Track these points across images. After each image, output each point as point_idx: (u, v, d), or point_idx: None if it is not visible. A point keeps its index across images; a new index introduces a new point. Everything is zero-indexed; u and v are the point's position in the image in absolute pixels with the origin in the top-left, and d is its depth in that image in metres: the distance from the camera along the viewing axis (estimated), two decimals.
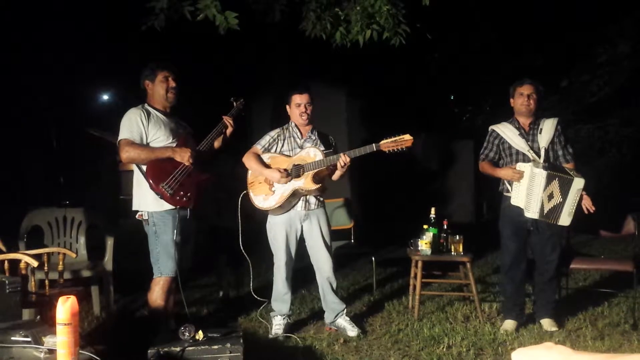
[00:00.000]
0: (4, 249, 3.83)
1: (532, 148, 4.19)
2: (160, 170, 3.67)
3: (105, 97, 9.96)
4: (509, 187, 4.22)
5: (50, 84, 7.86)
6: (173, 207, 3.68)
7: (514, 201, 4.18)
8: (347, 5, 5.12)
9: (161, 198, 3.64)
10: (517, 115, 4.31)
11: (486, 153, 4.39)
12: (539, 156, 4.15)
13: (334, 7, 5.18)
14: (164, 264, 3.71)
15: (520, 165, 4.14)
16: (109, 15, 7.48)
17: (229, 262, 4.78)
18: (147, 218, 3.71)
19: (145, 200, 3.69)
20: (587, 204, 4.13)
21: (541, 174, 4.05)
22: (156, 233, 3.70)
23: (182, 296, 3.81)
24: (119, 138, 3.66)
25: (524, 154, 4.20)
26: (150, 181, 3.64)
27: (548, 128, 4.23)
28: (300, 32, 5.31)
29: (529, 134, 4.25)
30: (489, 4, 9.06)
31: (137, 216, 3.74)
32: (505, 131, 4.29)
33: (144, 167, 3.68)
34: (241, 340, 3.15)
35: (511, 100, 4.35)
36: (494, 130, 4.37)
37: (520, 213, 4.17)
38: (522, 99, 4.23)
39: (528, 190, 4.09)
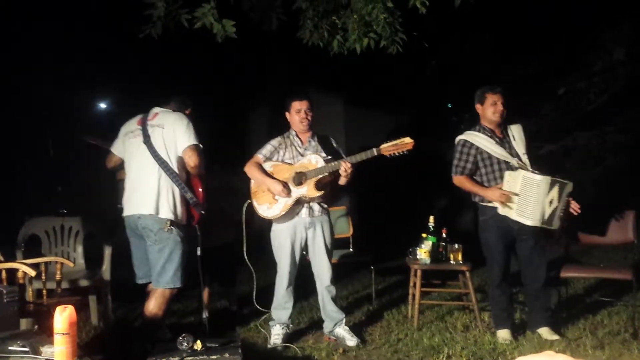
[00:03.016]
0: (1, 258, 3.81)
1: (512, 155, 4.10)
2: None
3: (103, 105, 9.96)
4: (497, 202, 4.09)
5: (47, 92, 7.85)
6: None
7: (502, 211, 4.05)
8: (344, 13, 5.13)
9: (201, 213, 3.83)
10: (487, 123, 4.19)
11: (462, 165, 4.17)
12: (524, 163, 4.07)
13: (331, 16, 5.19)
14: (178, 276, 3.75)
15: (511, 174, 4.01)
16: (105, 24, 7.49)
17: (222, 282, 4.76)
18: (172, 227, 3.73)
19: (180, 211, 3.78)
20: (575, 207, 4.06)
21: (545, 180, 3.91)
22: (180, 242, 3.75)
23: (204, 305, 3.99)
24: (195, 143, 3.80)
25: (507, 162, 4.08)
26: (202, 200, 3.82)
27: (519, 135, 4.16)
28: (298, 39, 5.32)
29: (504, 141, 4.16)
30: (486, 13, 9.10)
31: (166, 222, 3.71)
32: (480, 140, 4.14)
33: (185, 182, 3.81)
34: (239, 350, 3.14)
35: (478, 105, 4.24)
36: (466, 141, 4.18)
37: (506, 222, 4.07)
38: (496, 107, 4.12)
39: (522, 198, 3.94)
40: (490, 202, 4.13)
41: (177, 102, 4.00)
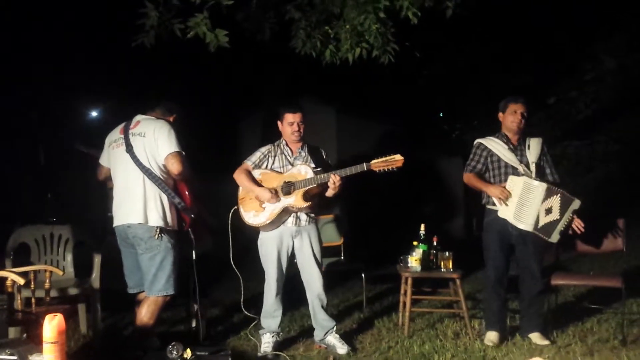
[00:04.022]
0: None
1: (521, 162, 4.25)
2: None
3: (94, 113, 9.95)
4: (495, 201, 4.26)
5: (40, 101, 7.84)
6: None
7: (502, 214, 4.22)
8: (336, 23, 5.17)
9: (191, 217, 3.83)
10: (506, 130, 4.38)
11: (473, 165, 4.41)
12: (530, 171, 4.22)
13: (323, 26, 5.23)
14: (171, 283, 3.76)
15: (513, 179, 4.18)
16: (98, 32, 7.50)
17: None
18: (162, 234, 3.72)
19: (170, 217, 3.78)
20: (579, 224, 4.19)
21: (541, 187, 4.10)
22: (171, 249, 3.76)
23: (198, 311, 4.00)
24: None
25: (513, 167, 4.25)
26: (190, 204, 3.80)
27: (535, 145, 4.32)
28: (291, 49, 5.35)
29: (517, 149, 4.32)
30: (478, 24, 9.18)
31: (156, 230, 3.70)
32: (494, 145, 4.35)
33: (175, 186, 3.81)
34: (229, 359, 3.13)
35: (500, 114, 4.41)
36: (481, 143, 4.41)
37: (506, 226, 4.22)
38: (515, 116, 4.29)
39: (520, 202, 4.12)
40: (494, 204, 4.28)
41: (162, 109, 3.98)
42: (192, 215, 3.83)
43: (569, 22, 9.32)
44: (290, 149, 4.24)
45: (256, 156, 4.23)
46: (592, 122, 9.71)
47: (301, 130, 4.18)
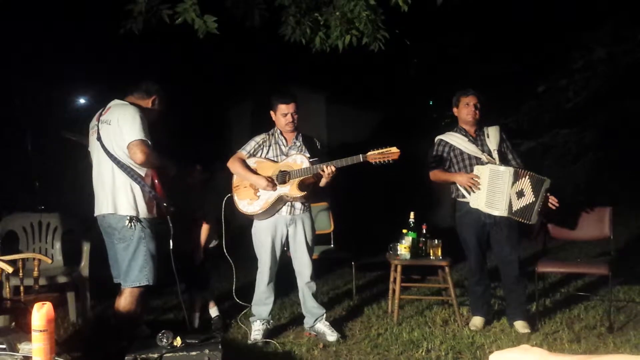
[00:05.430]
0: None
1: (483, 151, 4.34)
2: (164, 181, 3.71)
3: (82, 100, 9.87)
4: (465, 192, 4.31)
5: (26, 87, 7.76)
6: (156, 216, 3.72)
7: (473, 204, 4.28)
8: (326, 10, 5.14)
9: (164, 205, 3.65)
10: (462, 124, 4.47)
11: (436, 162, 4.49)
12: (493, 158, 4.29)
13: (313, 12, 5.19)
14: (145, 273, 3.64)
15: (478, 168, 4.25)
16: (86, 18, 7.42)
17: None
18: (133, 223, 3.59)
19: (142, 206, 3.64)
20: (553, 201, 4.25)
21: (508, 171, 4.16)
22: (144, 239, 3.63)
23: (182, 301, 3.97)
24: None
25: (477, 158, 4.33)
26: (159, 193, 3.63)
27: (493, 134, 4.41)
28: (280, 36, 5.32)
29: (477, 140, 4.41)
30: (468, 12, 9.15)
31: (128, 219, 3.58)
32: (454, 139, 4.43)
33: (146, 173, 3.64)
34: (220, 346, 3.14)
35: (454, 109, 4.52)
36: (442, 140, 4.49)
37: (479, 217, 4.29)
38: (468, 108, 4.40)
39: (490, 190, 4.19)
40: (463, 197, 4.33)
41: (140, 92, 3.83)
42: (165, 204, 3.67)
43: (559, 11, 9.32)
44: (285, 138, 4.23)
45: (251, 145, 4.21)
46: (582, 110, 9.74)
47: (295, 121, 4.16)
